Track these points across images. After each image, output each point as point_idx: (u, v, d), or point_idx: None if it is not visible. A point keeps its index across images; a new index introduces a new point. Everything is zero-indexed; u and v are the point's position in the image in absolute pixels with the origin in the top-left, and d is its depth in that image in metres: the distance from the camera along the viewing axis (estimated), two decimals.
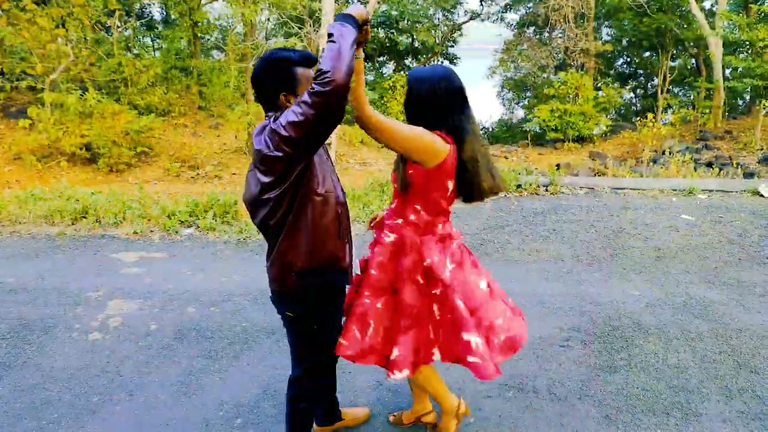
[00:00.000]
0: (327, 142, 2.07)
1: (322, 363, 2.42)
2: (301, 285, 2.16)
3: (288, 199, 2.06)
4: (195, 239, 6.07)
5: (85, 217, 6.53)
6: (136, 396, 3.25)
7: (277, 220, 2.11)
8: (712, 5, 20.79)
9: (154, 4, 20.64)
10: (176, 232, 6.23)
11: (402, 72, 21.64)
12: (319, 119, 1.84)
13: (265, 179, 2.04)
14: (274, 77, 2.06)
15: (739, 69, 17.10)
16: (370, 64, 24.80)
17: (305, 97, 1.83)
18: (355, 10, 1.93)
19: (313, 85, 1.81)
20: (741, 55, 18.62)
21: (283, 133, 1.90)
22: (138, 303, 4.48)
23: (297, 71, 2.07)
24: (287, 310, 2.25)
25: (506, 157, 16.16)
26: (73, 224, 6.44)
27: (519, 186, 7.68)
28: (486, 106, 28.45)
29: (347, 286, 2.39)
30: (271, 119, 2.04)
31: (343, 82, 1.78)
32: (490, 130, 27.13)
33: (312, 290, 2.19)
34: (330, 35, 1.85)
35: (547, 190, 7.63)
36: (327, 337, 2.34)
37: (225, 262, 5.41)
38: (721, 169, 10.25)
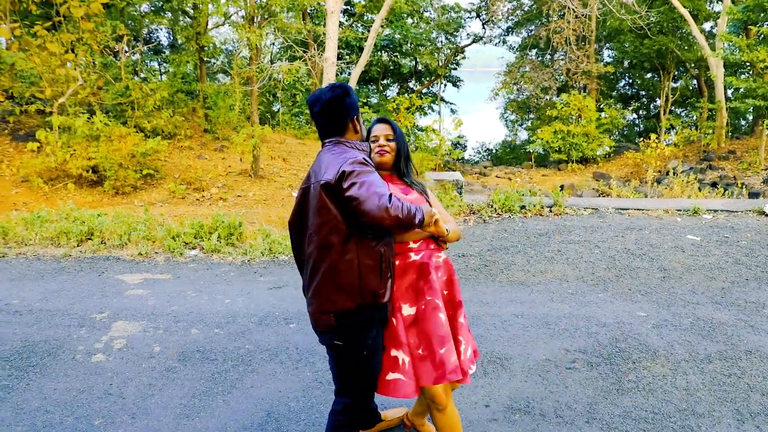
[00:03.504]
0: None
1: (371, 389, 2.46)
2: (338, 324, 2.26)
3: (338, 234, 2.20)
4: (199, 261, 6.07)
5: (90, 239, 6.55)
6: (139, 419, 3.22)
7: (318, 251, 2.24)
8: (712, 27, 21.00)
9: (161, 29, 21.01)
10: (181, 253, 6.23)
11: (406, 94, 21.83)
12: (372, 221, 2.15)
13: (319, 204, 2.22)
14: (348, 102, 2.33)
15: (741, 90, 17.19)
16: (374, 86, 25.04)
17: (388, 201, 2.09)
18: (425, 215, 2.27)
19: (388, 206, 2.08)
20: (742, 76, 18.74)
21: (354, 192, 2.11)
22: (142, 325, 4.46)
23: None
24: (335, 339, 2.32)
25: (510, 179, 16.18)
26: (78, 246, 6.46)
27: (523, 207, 7.68)
28: (489, 128, 28.67)
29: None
30: (333, 144, 2.32)
31: (387, 222, 2.10)
32: (494, 151, 27.29)
33: (355, 324, 2.28)
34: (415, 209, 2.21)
35: (551, 211, 7.63)
36: (373, 361, 2.39)
37: (229, 283, 5.40)
38: (725, 190, 10.24)
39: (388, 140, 2.59)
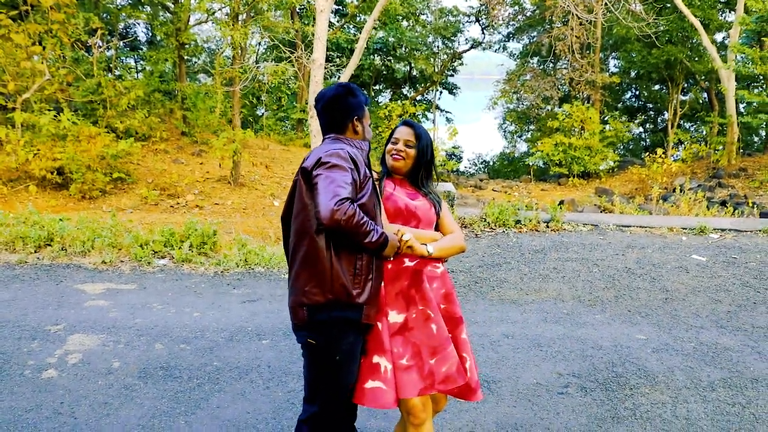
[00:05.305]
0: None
1: (340, 399, 2.42)
2: (310, 319, 2.31)
3: (313, 221, 2.28)
4: (168, 271, 6.01)
5: (50, 245, 6.47)
6: None
7: (295, 243, 2.35)
8: (724, 38, 21.34)
9: (139, 23, 21.03)
10: (148, 263, 6.17)
11: (399, 101, 21.94)
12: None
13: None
14: (352, 102, 2.45)
15: (754, 104, 17.43)
16: (365, 91, 25.17)
17: (339, 203, 2.15)
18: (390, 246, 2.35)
19: (334, 207, 2.15)
20: (755, 90, 19.01)
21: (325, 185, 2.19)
22: (101, 338, 4.39)
23: (367, 101, 2.54)
24: (309, 338, 2.35)
25: (507, 193, 16.26)
26: (36, 252, 6.37)
27: (518, 222, 7.69)
28: (487, 138, 28.85)
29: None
30: (331, 140, 2.43)
31: (327, 222, 2.15)
32: (491, 164, 27.44)
33: (327, 322, 2.31)
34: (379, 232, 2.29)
35: (548, 227, 7.64)
36: (347, 369, 2.38)
37: (199, 296, 5.35)
38: (735, 209, 10.32)
39: (407, 146, 2.63)
